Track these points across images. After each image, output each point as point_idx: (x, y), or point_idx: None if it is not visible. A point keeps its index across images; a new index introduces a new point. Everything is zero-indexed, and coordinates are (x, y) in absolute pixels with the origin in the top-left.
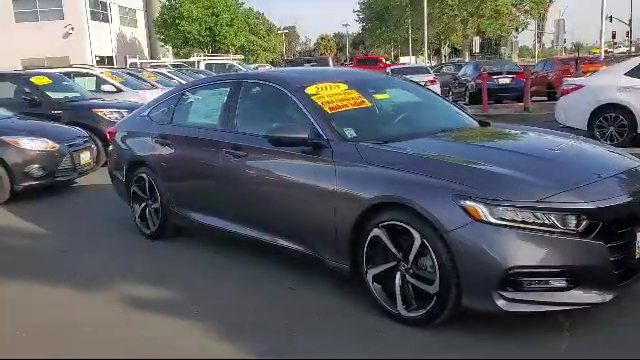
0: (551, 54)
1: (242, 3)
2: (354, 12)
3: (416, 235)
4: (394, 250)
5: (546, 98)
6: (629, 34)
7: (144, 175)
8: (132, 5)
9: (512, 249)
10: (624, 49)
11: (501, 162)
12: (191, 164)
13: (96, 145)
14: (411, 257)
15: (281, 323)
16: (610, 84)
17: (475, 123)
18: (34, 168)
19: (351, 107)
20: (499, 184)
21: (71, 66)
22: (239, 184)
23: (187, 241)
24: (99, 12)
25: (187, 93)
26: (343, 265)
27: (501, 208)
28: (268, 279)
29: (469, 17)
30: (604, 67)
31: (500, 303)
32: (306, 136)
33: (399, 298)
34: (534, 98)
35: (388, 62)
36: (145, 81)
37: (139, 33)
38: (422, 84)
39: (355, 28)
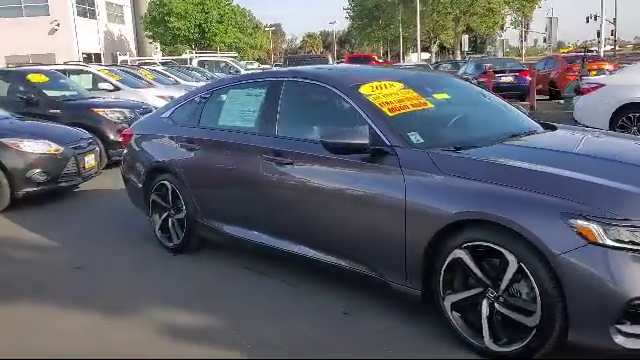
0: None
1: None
2: (344, 10)
3: (511, 258)
4: (481, 275)
5: (548, 97)
6: (613, 33)
7: (166, 183)
8: (119, 1)
9: (634, 276)
10: (608, 47)
11: (605, 173)
12: (224, 171)
13: (98, 147)
14: (503, 284)
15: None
16: (633, 83)
17: (538, 126)
18: (36, 173)
19: (412, 109)
20: (613, 200)
21: (66, 63)
22: (282, 194)
23: (212, 254)
24: (86, 8)
25: (216, 93)
26: (413, 290)
27: (619, 228)
28: (316, 302)
29: (462, 15)
30: (606, 65)
31: (618, 340)
32: (367, 142)
33: (486, 330)
34: (537, 97)
35: (381, 60)
36: (142, 79)
37: (126, 30)
38: None
39: (342, 26)
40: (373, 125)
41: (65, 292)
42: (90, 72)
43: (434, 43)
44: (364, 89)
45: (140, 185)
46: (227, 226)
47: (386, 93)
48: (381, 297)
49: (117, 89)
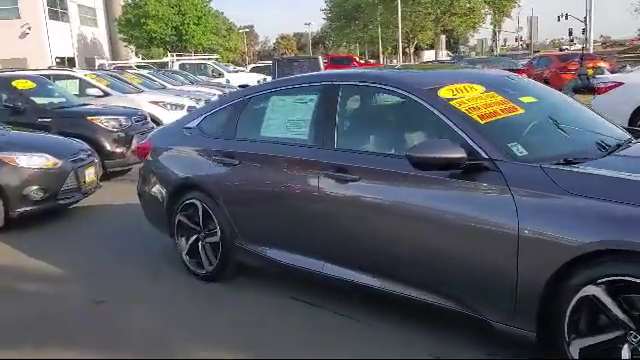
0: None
1: (209, 1)
2: (321, 10)
3: None
4: (622, 316)
5: None
6: (585, 31)
7: (196, 202)
8: (92, 4)
9: None
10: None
11: None
12: (270, 189)
13: (97, 159)
14: None
15: None
16: None
17: (625, 132)
18: (33, 190)
19: (503, 115)
20: None
21: (50, 68)
22: (344, 215)
23: (250, 283)
24: (57, 11)
25: (253, 100)
26: (523, 331)
27: None
28: (394, 342)
29: (442, 15)
30: (602, 63)
31: None
32: (464, 155)
33: None
34: None
35: (362, 61)
36: (128, 83)
37: (100, 33)
38: None
39: (316, 27)
40: (464, 135)
41: (93, 334)
42: (77, 77)
43: (412, 44)
44: (443, 93)
45: (162, 204)
46: (271, 250)
47: (470, 97)
48: (474, 337)
49: (106, 95)
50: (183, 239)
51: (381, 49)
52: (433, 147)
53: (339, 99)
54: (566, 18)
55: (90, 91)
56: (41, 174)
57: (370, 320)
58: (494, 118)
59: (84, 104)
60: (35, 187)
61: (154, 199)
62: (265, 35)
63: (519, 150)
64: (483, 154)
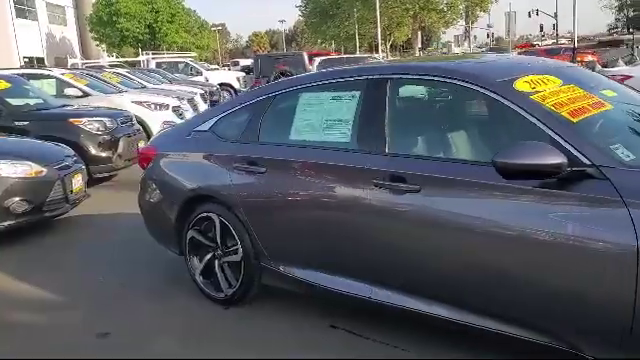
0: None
1: None
2: (296, 7)
3: None
4: None
5: None
6: (555, 27)
7: (213, 215)
8: (61, 2)
9: None
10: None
11: None
12: (305, 201)
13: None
14: None
15: None
16: None
17: None
18: (15, 202)
19: (593, 111)
20: None
21: (22, 67)
22: (402, 233)
23: (275, 306)
24: (25, 9)
25: (278, 99)
26: None
27: None
28: None
29: (420, 11)
30: (589, 57)
31: None
32: (564, 161)
33: None
34: None
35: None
36: (108, 83)
37: (69, 32)
38: None
39: (288, 25)
40: (557, 137)
41: None
42: (54, 76)
43: (389, 41)
44: (520, 85)
45: (170, 218)
46: (306, 272)
47: (551, 91)
48: None
49: (86, 95)
50: (196, 258)
51: (357, 46)
52: (528, 152)
53: (388, 95)
54: (537, 14)
55: (69, 91)
56: (24, 184)
57: (421, 350)
58: (585, 116)
59: (64, 105)
60: (18, 198)
61: (159, 212)
62: (237, 33)
63: (624, 154)
64: (584, 159)
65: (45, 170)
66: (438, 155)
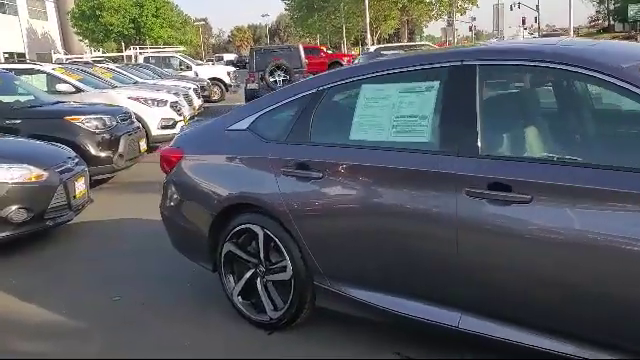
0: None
1: None
2: (282, 1)
3: None
4: None
5: None
6: (537, 19)
7: (255, 227)
8: None
9: None
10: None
11: None
12: (374, 211)
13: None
14: None
15: None
16: None
17: None
18: (13, 210)
19: None
20: None
21: (7, 61)
22: (508, 251)
23: (329, 330)
24: (4, 3)
25: (332, 92)
26: None
27: None
28: None
29: (409, 3)
30: None
31: None
32: None
33: None
34: None
35: (330, 52)
36: (100, 78)
37: (50, 27)
38: None
39: (271, 19)
40: None
41: None
42: (44, 71)
43: (376, 34)
44: None
45: (202, 229)
46: (374, 294)
47: None
48: None
49: (79, 91)
50: (232, 275)
51: (345, 39)
52: None
53: (478, 85)
54: (519, 7)
55: (60, 87)
56: (23, 190)
57: None
58: None
59: (58, 102)
60: (16, 206)
61: (188, 223)
62: (219, 28)
63: None
64: None
65: (46, 174)
66: (552, 157)
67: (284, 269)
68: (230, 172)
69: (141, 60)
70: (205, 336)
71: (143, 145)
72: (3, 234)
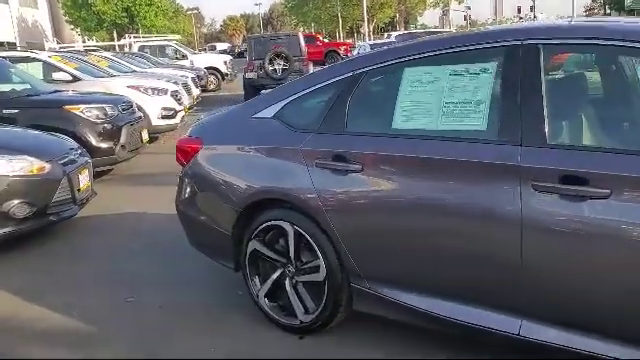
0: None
1: None
2: None
3: None
4: None
5: None
6: (532, 9)
7: (284, 224)
8: None
9: None
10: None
11: None
12: (423, 207)
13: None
14: None
15: None
16: None
17: None
18: (15, 205)
19: None
20: None
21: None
22: (578, 250)
23: (365, 333)
24: None
25: (371, 75)
26: None
27: None
28: None
29: None
30: None
31: None
32: None
33: None
34: None
35: (326, 40)
36: (96, 67)
37: (40, 15)
38: None
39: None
40: None
41: None
42: (39, 59)
43: (372, 23)
44: None
45: (224, 226)
46: (422, 298)
47: None
48: None
49: (76, 79)
50: (258, 276)
51: (340, 28)
52: None
53: (542, 67)
54: None
55: (57, 75)
56: (24, 183)
57: None
58: None
59: (56, 91)
60: (18, 201)
61: (208, 219)
62: (211, 17)
63: None
64: None
65: (48, 166)
66: (632, 147)
67: (317, 269)
68: (256, 164)
69: (135, 49)
70: (232, 342)
71: (145, 135)
72: (4, 230)
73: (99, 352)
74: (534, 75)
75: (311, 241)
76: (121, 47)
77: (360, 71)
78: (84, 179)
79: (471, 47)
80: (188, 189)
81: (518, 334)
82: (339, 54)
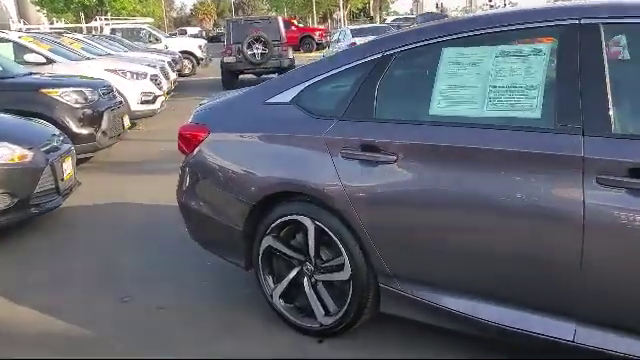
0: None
1: None
2: None
3: None
4: None
5: None
6: None
7: (304, 219)
8: None
9: None
10: None
11: None
12: (466, 202)
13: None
14: None
15: None
16: None
17: None
18: None
19: None
20: None
21: None
22: None
23: (391, 335)
24: None
25: (404, 56)
26: None
27: None
28: None
29: None
30: None
31: None
32: None
33: None
34: None
35: (300, 25)
36: (69, 48)
37: None
38: None
39: None
40: None
41: None
42: (9, 40)
43: (346, 8)
44: None
45: (236, 222)
46: (462, 301)
47: None
48: None
49: (50, 62)
50: (272, 276)
51: (314, 12)
52: None
53: (604, 48)
54: None
55: (29, 57)
56: (5, 172)
57: None
58: None
59: (31, 73)
60: None
61: (215, 213)
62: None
63: None
64: None
65: (30, 154)
66: None
67: (340, 268)
68: (271, 154)
69: (107, 32)
70: (245, 345)
71: (127, 121)
72: None
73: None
74: (596, 57)
75: (334, 238)
76: (89, 30)
77: (391, 52)
78: (68, 168)
79: (520, 26)
80: (192, 180)
81: (572, 340)
82: (314, 39)
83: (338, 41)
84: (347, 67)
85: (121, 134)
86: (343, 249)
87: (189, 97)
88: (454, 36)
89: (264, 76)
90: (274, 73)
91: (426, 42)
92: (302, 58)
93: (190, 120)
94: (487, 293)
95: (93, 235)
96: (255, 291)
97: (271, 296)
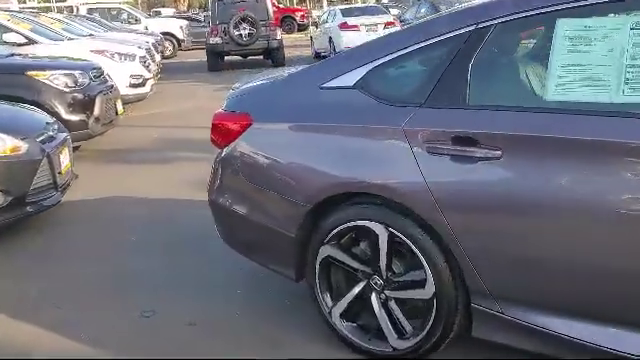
0: None
1: None
2: None
3: None
4: None
5: None
6: None
7: (374, 225)
8: None
9: None
10: None
11: None
12: (605, 211)
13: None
14: None
15: None
16: None
17: None
18: None
19: None
20: None
21: None
22: None
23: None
24: None
25: (502, 29)
26: None
27: None
28: None
29: None
30: None
31: None
32: None
33: None
34: None
35: (281, 5)
36: (50, 28)
37: None
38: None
39: None
40: None
41: None
42: None
43: None
44: None
45: (287, 227)
46: (582, 325)
47: None
48: None
49: (32, 42)
50: (327, 293)
51: None
52: None
53: None
54: None
55: (8, 37)
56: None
57: None
58: None
59: (13, 54)
60: None
61: (260, 216)
62: None
63: None
64: None
65: (25, 145)
66: None
67: (421, 284)
68: (332, 148)
69: (83, 12)
70: None
71: (120, 107)
72: None
73: None
74: None
75: (413, 248)
76: (60, 9)
77: (488, 24)
78: (65, 159)
79: None
80: (229, 177)
81: None
82: (295, 20)
83: (326, 22)
84: (428, 43)
85: (114, 120)
86: (425, 262)
87: (173, 81)
88: (574, 4)
89: (250, 57)
90: (261, 55)
91: (535, 11)
92: (284, 39)
93: (224, 107)
94: (615, 318)
95: (96, 235)
96: (300, 303)
97: (329, 314)
